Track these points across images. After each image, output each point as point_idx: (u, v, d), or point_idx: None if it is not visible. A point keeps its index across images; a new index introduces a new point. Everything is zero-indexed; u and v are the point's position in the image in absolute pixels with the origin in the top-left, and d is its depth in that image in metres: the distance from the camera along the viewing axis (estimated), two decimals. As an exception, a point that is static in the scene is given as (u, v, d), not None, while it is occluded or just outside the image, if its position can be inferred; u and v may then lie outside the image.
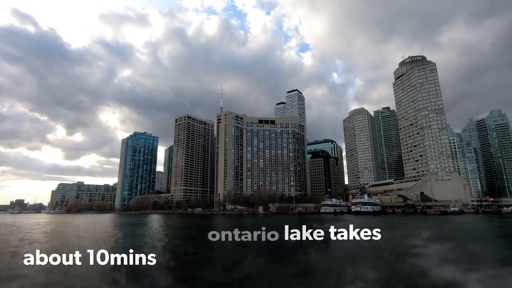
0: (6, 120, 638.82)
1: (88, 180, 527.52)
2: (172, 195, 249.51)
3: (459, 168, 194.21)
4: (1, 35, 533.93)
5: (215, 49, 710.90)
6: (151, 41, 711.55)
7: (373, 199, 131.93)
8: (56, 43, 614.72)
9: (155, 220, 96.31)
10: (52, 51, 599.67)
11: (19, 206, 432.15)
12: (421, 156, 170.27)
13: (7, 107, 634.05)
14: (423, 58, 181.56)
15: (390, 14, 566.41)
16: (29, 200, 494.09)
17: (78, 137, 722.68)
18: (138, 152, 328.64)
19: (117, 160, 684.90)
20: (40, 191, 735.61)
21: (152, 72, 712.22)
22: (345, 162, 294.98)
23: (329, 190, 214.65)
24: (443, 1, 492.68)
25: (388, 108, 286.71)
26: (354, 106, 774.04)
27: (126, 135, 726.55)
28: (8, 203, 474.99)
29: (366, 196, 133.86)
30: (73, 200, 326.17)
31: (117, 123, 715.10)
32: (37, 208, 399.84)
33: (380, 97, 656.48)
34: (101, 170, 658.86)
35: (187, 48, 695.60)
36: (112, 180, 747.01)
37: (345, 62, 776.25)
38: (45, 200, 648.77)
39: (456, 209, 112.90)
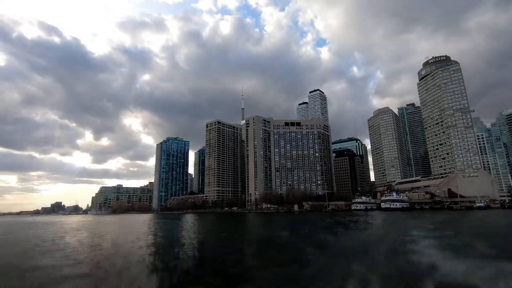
0: (40, 128, 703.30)
1: (115, 182, 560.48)
2: (206, 196, 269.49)
3: (488, 164, 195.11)
4: (31, 47, 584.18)
5: (231, 49, 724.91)
6: (168, 45, 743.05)
7: (401, 196, 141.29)
8: (81, 52, 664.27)
9: (226, 219, 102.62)
10: (77, 60, 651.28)
11: (59, 209, 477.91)
12: (447, 154, 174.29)
13: (40, 115, 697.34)
14: (447, 58, 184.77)
15: (411, 2, 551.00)
16: (65, 202, 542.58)
17: (105, 141, 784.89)
18: (171, 156, 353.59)
19: (142, 163, 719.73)
20: (73, 194, 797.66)
21: (170, 76, 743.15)
22: (370, 159, 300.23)
23: (359, 189, 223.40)
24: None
25: (412, 104, 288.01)
26: (375, 100, 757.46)
27: (149, 138, 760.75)
28: (49, 206, 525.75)
29: (394, 193, 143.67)
30: (118, 202, 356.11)
31: (139, 127, 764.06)
32: (73, 210, 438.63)
33: (403, 89, 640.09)
34: (127, 173, 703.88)
35: (203, 50, 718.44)
36: (139, 182, 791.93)
37: (365, 55, 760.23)
38: (80, 202, 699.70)
39: (482, 204, 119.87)
